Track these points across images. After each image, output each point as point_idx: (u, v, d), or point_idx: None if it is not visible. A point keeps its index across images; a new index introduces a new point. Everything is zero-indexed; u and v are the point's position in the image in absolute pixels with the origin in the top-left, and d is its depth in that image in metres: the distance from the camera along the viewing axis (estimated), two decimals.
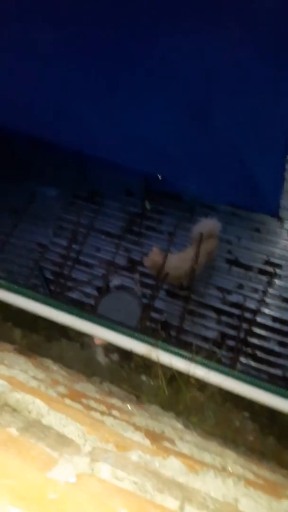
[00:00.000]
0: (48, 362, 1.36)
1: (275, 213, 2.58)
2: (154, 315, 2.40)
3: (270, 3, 2.28)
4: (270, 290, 2.43)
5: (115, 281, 2.55)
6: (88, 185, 2.89)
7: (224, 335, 2.33)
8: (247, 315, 2.35)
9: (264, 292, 2.41)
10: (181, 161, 2.54)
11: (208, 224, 2.35)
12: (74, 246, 2.67)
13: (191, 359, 1.47)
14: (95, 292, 2.55)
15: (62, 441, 0.77)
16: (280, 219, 2.62)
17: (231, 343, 2.29)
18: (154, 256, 2.31)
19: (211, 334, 2.34)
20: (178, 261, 2.33)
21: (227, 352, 2.25)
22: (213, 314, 2.41)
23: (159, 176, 2.76)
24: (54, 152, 2.83)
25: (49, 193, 2.93)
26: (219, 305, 2.43)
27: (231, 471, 1.00)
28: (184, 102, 2.41)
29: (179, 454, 0.95)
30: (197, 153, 2.52)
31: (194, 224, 2.44)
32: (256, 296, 2.42)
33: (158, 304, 2.44)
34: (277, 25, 2.33)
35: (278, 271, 2.48)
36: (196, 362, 1.47)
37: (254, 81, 2.42)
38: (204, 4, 2.33)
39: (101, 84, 2.52)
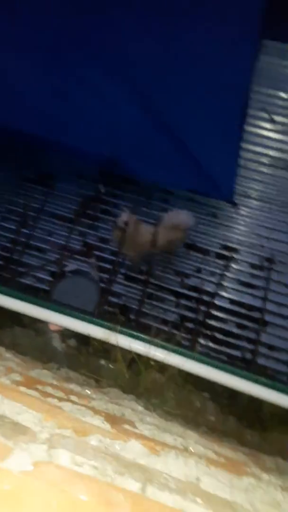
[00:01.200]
0: (1, 350, 1.28)
1: (230, 199, 2.62)
2: (112, 299, 2.36)
3: None
4: (228, 274, 2.47)
5: (71, 266, 2.47)
6: (39, 168, 2.77)
7: (183, 318, 2.34)
8: (206, 298, 2.38)
9: (222, 276, 2.45)
10: (135, 145, 2.51)
11: (180, 216, 2.34)
12: (24, 230, 2.55)
13: (150, 342, 1.45)
14: (49, 277, 2.46)
15: (17, 429, 0.72)
16: (235, 204, 2.65)
17: (190, 325, 2.31)
18: (126, 216, 2.26)
19: (170, 317, 2.35)
20: (144, 230, 2.30)
21: (186, 334, 2.27)
22: (172, 297, 2.41)
23: (114, 160, 2.70)
24: (2, 135, 2.68)
25: None
26: (177, 288, 2.43)
27: (192, 451, 1.00)
28: (134, 87, 2.37)
29: (140, 436, 0.93)
30: (149, 138, 2.50)
31: (165, 212, 2.42)
32: (214, 279, 2.45)
33: (116, 288, 2.40)
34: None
35: (234, 255, 2.53)
36: (156, 344, 1.46)
37: (203, 67, 2.41)
38: None
39: (51, 65, 2.43)
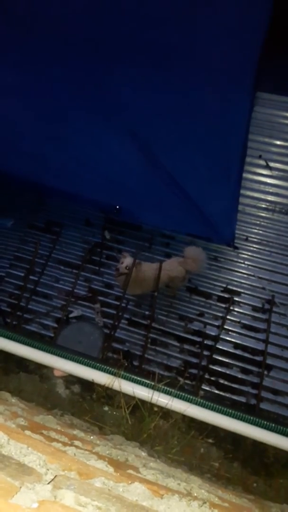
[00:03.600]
0: (6, 395, 1.32)
1: (230, 243, 2.72)
2: (116, 345, 2.40)
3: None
4: (230, 317, 2.51)
5: (75, 312, 2.54)
6: (46, 216, 2.91)
7: (186, 363, 2.36)
8: (209, 342, 2.41)
9: (224, 319, 2.49)
10: (137, 192, 2.65)
11: (192, 259, 2.41)
12: (31, 277, 2.65)
13: (153, 388, 1.49)
14: (54, 324, 2.52)
15: (22, 470, 0.76)
16: (236, 248, 2.75)
17: (193, 371, 2.32)
18: (126, 259, 2.34)
19: (174, 363, 2.37)
20: (146, 267, 2.37)
21: (190, 381, 2.28)
22: (175, 343, 2.44)
23: (117, 207, 2.85)
24: (11, 183, 2.86)
25: (5, 223, 2.92)
26: (181, 333, 2.48)
27: (196, 495, 1.02)
28: (135, 137, 2.54)
29: (144, 480, 0.96)
30: (151, 185, 2.64)
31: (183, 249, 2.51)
32: (217, 323, 2.50)
33: (119, 334, 2.44)
34: (224, 62, 2.52)
35: (236, 298, 2.59)
36: (159, 390, 1.49)
37: (201, 119, 2.57)
38: (153, 50, 2.49)
39: (57, 118, 2.62)
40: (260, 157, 3.14)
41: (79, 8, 2.46)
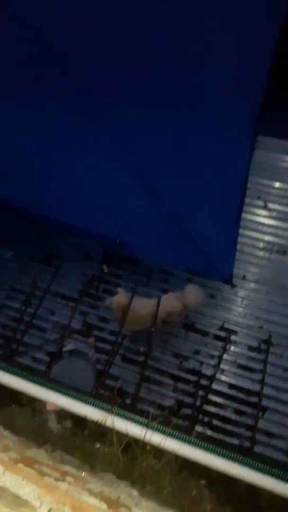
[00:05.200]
0: None
1: (228, 280, 2.78)
2: (109, 381, 2.41)
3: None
4: (226, 356, 2.54)
5: (69, 345, 2.56)
6: (47, 248, 2.98)
7: (180, 403, 2.36)
8: (204, 381, 2.43)
9: (220, 358, 2.52)
10: (138, 227, 2.74)
11: (191, 294, 2.47)
12: (28, 309, 2.68)
13: (147, 426, 1.50)
14: (46, 358, 2.53)
15: (18, 502, 0.79)
16: (234, 286, 2.81)
17: (187, 411, 2.32)
18: (119, 297, 2.38)
19: (167, 402, 2.37)
20: (141, 305, 2.41)
21: (183, 421, 2.28)
22: (169, 381, 2.45)
23: (117, 240, 2.94)
24: (12, 214, 2.94)
25: (4, 254, 2.98)
26: (175, 371, 2.49)
27: None
28: (136, 172, 2.65)
29: None
30: (152, 220, 2.74)
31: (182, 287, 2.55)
32: (212, 362, 2.52)
33: (113, 370, 2.46)
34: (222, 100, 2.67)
35: (233, 337, 2.62)
36: (152, 428, 1.50)
37: (202, 159, 2.71)
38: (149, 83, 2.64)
39: (63, 154, 2.74)
40: (259, 198, 3.27)
41: (87, 48, 2.64)
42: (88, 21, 2.48)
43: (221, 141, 2.76)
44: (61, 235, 2.99)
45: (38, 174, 2.71)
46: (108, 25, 2.53)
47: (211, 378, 2.44)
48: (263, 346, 2.55)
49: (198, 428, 2.28)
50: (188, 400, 2.38)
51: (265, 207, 3.27)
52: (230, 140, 2.76)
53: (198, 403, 2.34)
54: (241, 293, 2.83)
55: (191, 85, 2.76)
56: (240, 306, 2.77)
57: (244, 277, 2.90)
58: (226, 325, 2.68)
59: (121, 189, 2.78)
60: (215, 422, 2.31)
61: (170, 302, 2.45)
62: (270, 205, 3.26)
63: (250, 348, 2.57)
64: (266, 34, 2.76)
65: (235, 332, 2.65)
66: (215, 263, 2.71)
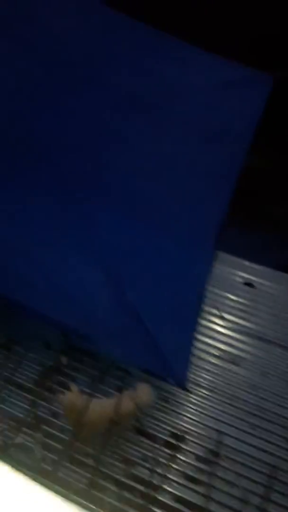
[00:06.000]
0: None
1: (182, 385, 2.88)
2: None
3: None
4: (174, 465, 2.52)
5: (17, 439, 2.47)
6: (7, 332, 3.00)
7: None
8: (149, 491, 2.37)
9: (168, 467, 2.50)
10: (102, 321, 2.87)
11: (143, 393, 2.52)
12: None
13: None
14: None
15: None
16: (188, 391, 2.90)
17: None
18: (72, 396, 2.36)
19: None
20: (99, 407, 2.40)
21: None
22: (113, 487, 2.38)
23: (80, 332, 3.02)
24: None
25: None
26: (121, 477, 2.43)
27: None
28: (102, 266, 2.87)
29: None
30: (116, 316, 2.89)
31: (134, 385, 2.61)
32: (160, 470, 2.49)
33: (60, 472, 2.37)
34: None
35: (181, 445, 2.64)
36: None
37: (164, 263, 2.99)
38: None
39: (33, 239, 2.94)
40: (216, 308, 3.54)
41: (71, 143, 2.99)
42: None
43: (184, 250, 3.09)
44: (23, 320, 3.04)
45: (5, 255, 2.84)
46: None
47: (157, 488, 2.39)
48: (212, 458, 2.57)
49: None
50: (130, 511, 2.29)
51: (220, 317, 3.52)
52: (191, 250, 3.09)
53: None
54: (194, 399, 2.91)
55: (161, 202, 3.14)
56: (192, 413, 2.83)
57: (197, 383, 3.00)
58: (175, 432, 2.70)
59: (89, 283, 2.96)
60: None
61: (125, 402, 2.48)
62: (225, 316, 3.52)
63: (198, 458, 2.58)
64: (231, 165, 3.27)
65: (183, 440, 2.67)
66: (170, 365, 2.84)
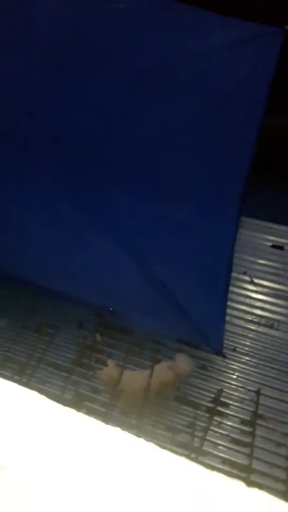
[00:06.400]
0: None
1: (219, 351, 2.87)
2: None
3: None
4: (218, 430, 2.53)
5: None
6: (40, 317, 3.07)
7: None
8: (194, 455, 2.39)
9: (212, 431, 2.50)
10: (131, 297, 2.88)
11: (182, 362, 2.54)
12: (19, 378, 2.69)
13: None
14: None
15: None
16: (225, 357, 2.88)
17: None
18: (109, 370, 2.41)
19: None
20: (134, 378, 2.43)
21: None
22: None
23: (111, 309, 3.06)
24: (8, 284, 3.08)
25: None
26: (167, 445, 2.46)
27: None
28: (127, 247, 2.86)
29: None
30: (144, 291, 2.89)
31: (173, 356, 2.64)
32: (204, 436, 2.50)
33: None
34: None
35: (223, 409, 2.63)
36: None
37: (190, 240, 2.94)
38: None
39: (59, 227, 2.96)
40: (245, 273, 3.47)
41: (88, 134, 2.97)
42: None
43: (208, 222, 3.03)
44: (54, 304, 3.11)
45: (35, 245, 2.89)
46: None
47: (202, 453, 2.41)
48: (255, 419, 2.56)
49: None
50: None
51: (251, 282, 3.46)
52: (216, 221, 3.02)
53: None
54: (232, 365, 2.89)
55: (181, 175, 3.08)
56: (231, 379, 2.82)
57: (234, 349, 2.98)
58: (218, 398, 2.70)
59: (114, 262, 2.97)
60: None
61: (163, 372, 2.50)
62: (256, 281, 3.45)
63: (242, 421, 2.58)
64: (247, 129, 3.16)
65: (226, 405, 2.67)
66: (205, 333, 2.83)
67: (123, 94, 3.14)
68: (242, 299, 3.32)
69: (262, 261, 3.56)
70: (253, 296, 3.37)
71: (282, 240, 3.77)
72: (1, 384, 0.77)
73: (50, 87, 3.14)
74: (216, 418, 2.58)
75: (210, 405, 2.66)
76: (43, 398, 0.74)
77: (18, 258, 2.91)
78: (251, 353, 2.97)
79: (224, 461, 2.39)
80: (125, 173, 3.06)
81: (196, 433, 2.51)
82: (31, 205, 2.92)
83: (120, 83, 3.13)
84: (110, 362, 2.54)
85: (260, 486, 1.93)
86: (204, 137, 3.14)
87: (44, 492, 0.62)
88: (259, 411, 2.60)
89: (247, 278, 3.48)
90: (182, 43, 3.27)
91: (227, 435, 2.50)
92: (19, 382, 0.70)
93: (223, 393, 2.72)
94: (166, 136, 3.12)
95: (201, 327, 2.83)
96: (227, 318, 3.03)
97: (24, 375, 2.72)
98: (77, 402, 2.64)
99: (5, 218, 2.94)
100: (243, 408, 2.64)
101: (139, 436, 0.66)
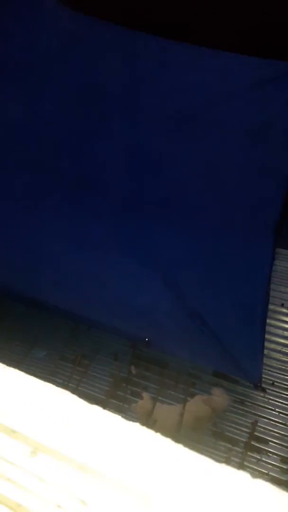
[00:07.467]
0: None
1: (258, 385, 2.78)
2: None
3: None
4: (257, 468, 2.42)
5: None
6: (78, 348, 3.13)
7: None
8: None
9: (251, 470, 2.40)
10: (166, 327, 2.89)
11: (218, 396, 2.51)
12: None
13: None
14: None
15: None
16: (264, 390, 2.79)
17: None
18: (145, 403, 2.40)
19: None
20: (167, 412, 2.40)
21: None
22: None
23: (146, 339, 3.07)
24: (47, 315, 3.19)
25: (38, 354, 3.15)
26: None
27: None
28: (167, 277, 2.91)
29: None
30: (180, 321, 2.89)
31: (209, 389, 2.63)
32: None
33: None
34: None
35: (263, 446, 2.52)
36: None
37: (228, 265, 2.95)
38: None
39: (99, 258, 3.07)
40: (282, 305, 3.40)
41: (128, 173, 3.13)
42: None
43: (244, 252, 3.04)
44: (91, 335, 3.16)
45: (75, 277, 2.99)
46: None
47: None
48: None
49: None
50: None
51: None
52: (252, 251, 3.04)
53: None
54: (271, 399, 2.79)
55: (213, 206, 3.15)
56: (270, 414, 2.71)
57: (273, 383, 2.88)
58: (256, 434, 2.59)
59: (151, 292, 3.02)
60: None
61: (198, 406, 2.46)
62: None
63: (283, 460, 2.45)
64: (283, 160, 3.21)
65: (266, 441, 2.55)
66: (242, 366, 2.76)
67: (156, 136, 3.32)
68: (280, 331, 3.24)
69: None
70: None
71: None
72: None
73: (95, 133, 3.37)
74: (255, 455, 2.47)
75: (249, 441, 2.56)
76: None
77: (59, 290, 3.02)
78: None
79: None
80: (164, 206, 3.17)
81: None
82: (81, 243, 3.07)
83: (153, 125, 3.32)
84: (145, 395, 2.54)
85: None
86: (238, 168, 3.21)
87: None
88: None
89: (284, 310, 3.40)
90: (207, 83, 3.44)
91: (266, 474, 2.38)
92: None
93: (262, 429, 2.61)
94: (200, 172, 3.23)
95: (239, 359, 2.77)
96: (265, 351, 2.95)
97: None
98: None
99: (49, 252, 3.09)
100: (284, 446, 2.52)
101: None
